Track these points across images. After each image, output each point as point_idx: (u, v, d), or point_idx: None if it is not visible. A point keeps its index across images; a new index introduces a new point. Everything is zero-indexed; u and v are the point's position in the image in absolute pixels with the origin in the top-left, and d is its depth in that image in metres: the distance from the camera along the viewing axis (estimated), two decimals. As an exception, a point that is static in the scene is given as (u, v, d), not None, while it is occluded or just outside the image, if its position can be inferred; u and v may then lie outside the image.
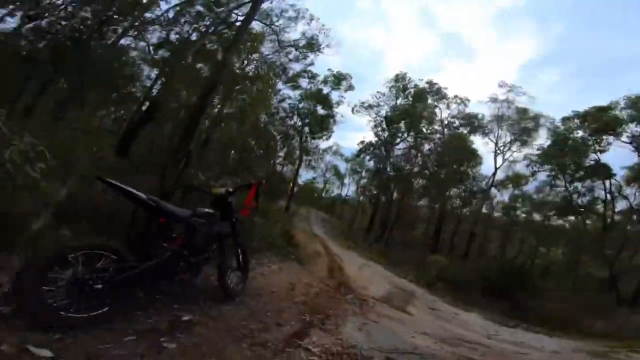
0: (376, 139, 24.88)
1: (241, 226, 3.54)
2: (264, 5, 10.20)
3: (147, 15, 10.97)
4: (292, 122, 20.86)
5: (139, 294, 2.46)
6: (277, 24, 14.47)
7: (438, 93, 23.88)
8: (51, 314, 1.83)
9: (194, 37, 12.52)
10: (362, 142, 25.83)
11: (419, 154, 24.33)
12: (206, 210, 2.97)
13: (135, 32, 11.43)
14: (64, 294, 1.88)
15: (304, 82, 20.71)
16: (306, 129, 21.41)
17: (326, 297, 4.49)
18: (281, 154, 21.11)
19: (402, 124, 23.82)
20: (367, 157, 26.93)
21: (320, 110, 21.96)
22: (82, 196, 3.86)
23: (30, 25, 11.00)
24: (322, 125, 21.69)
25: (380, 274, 9.66)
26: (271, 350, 2.32)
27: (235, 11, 12.59)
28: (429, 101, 23.98)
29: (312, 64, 18.93)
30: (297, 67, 18.45)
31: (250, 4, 8.24)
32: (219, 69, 3.90)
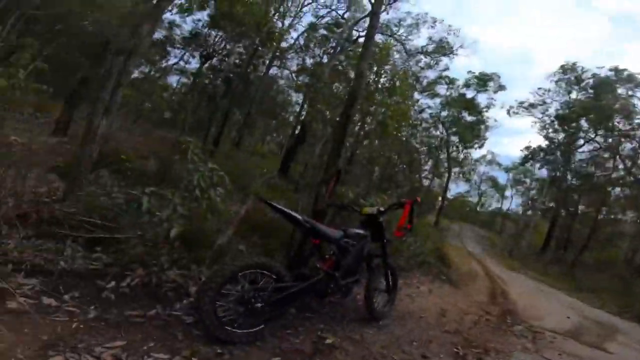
0: (547, 142, 20.58)
1: (391, 246, 3.43)
2: (382, 18, 10.19)
3: (283, 45, 12.42)
4: (437, 132, 19.43)
5: (292, 310, 2.62)
6: (399, 33, 13.97)
7: (631, 80, 17.93)
8: (221, 328, 2.02)
9: (325, 59, 13.56)
10: (527, 147, 21.81)
11: (617, 157, 18.64)
12: (357, 231, 2.95)
13: (278, 62, 13.33)
14: (231, 311, 2.10)
15: (442, 89, 19.06)
16: (453, 138, 19.57)
17: (485, 327, 3.82)
18: (427, 167, 19.87)
19: (583, 122, 18.99)
20: (537, 165, 22.54)
21: (468, 117, 19.74)
22: (256, 213, 4.56)
23: (206, 64, 14.28)
24: (472, 133, 19.33)
25: (562, 302, 7.65)
26: None
27: (355, 28, 13.00)
28: (620, 91, 18.31)
29: (447, 69, 17.48)
30: (431, 74, 17.54)
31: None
32: (355, 81, 3.95)
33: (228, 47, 12.86)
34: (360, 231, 2.99)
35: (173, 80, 18.46)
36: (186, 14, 13.35)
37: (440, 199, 20.24)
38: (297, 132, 12.79)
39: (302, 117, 9.29)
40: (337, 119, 4.08)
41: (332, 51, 13.39)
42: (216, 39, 14.06)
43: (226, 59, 13.55)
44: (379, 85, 5.75)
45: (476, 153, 23.49)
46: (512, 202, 34.27)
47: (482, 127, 19.84)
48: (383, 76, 6.81)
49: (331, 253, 2.77)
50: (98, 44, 8.97)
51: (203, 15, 13.76)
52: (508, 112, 20.43)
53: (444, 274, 6.29)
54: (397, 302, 3.72)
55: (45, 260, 1.97)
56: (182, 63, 16.61)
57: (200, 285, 2.08)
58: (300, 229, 2.64)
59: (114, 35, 7.55)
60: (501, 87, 19.74)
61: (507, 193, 34.03)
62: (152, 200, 2.24)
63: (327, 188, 3.56)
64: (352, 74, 9.48)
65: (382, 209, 3.24)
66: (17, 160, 2.96)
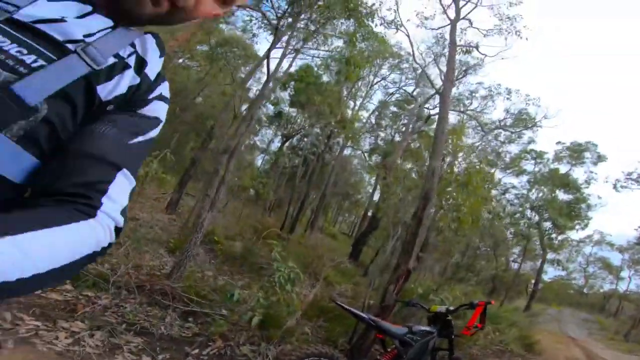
0: None
1: (457, 341, 3.26)
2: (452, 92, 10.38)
3: (357, 125, 12.98)
4: (525, 215, 17.10)
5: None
6: (471, 108, 13.45)
7: None
8: None
9: (397, 138, 13.76)
10: None
11: None
12: (422, 328, 2.97)
13: (351, 142, 13.81)
14: None
15: (528, 165, 16.80)
16: (546, 224, 16.96)
17: None
18: (515, 250, 17.46)
19: None
20: None
21: (562, 195, 17.20)
22: (323, 298, 4.71)
23: (287, 144, 15.31)
24: (570, 213, 16.50)
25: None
26: None
27: (426, 105, 13.05)
28: None
29: (532, 141, 15.85)
30: (514, 148, 15.90)
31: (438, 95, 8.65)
32: (427, 181, 4.14)
33: (306, 126, 13.44)
34: (427, 328, 2.98)
35: (258, 158, 19.33)
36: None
37: (532, 282, 17.14)
38: (369, 215, 12.76)
39: (377, 204, 9.50)
40: (414, 212, 4.21)
41: (403, 129, 13.43)
42: (296, 119, 14.73)
43: (305, 139, 14.69)
44: (453, 177, 5.72)
45: (579, 234, 19.78)
46: (631, 283, 27.70)
47: (583, 206, 16.95)
48: (457, 166, 6.76)
49: (393, 347, 2.76)
50: (206, 129, 10.85)
51: (285, 95, 14.31)
52: (614, 186, 17.44)
53: (531, 362, 5.32)
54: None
55: (150, 324, 2.42)
56: (265, 140, 17.92)
57: None
58: (367, 324, 2.78)
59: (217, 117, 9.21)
60: (601, 158, 16.89)
61: (624, 274, 27.79)
62: (241, 292, 2.63)
63: (395, 285, 3.62)
64: (425, 154, 9.70)
65: (451, 308, 3.21)
66: (141, 237, 3.75)
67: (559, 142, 17.67)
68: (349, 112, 12.39)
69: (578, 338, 11.32)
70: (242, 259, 5.10)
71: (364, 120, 15.05)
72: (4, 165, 0.41)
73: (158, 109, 0.53)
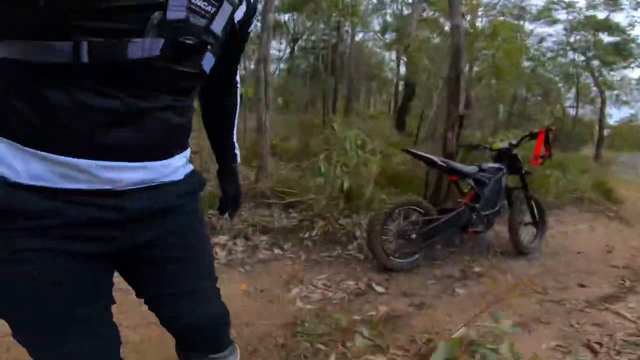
0: None
1: (530, 178, 3.46)
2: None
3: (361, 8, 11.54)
4: (569, 59, 15.09)
5: (438, 246, 3.09)
6: None
7: None
8: (387, 258, 2.58)
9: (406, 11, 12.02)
10: None
11: None
12: (491, 165, 3.16)
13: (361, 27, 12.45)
14: (392, 243, 2.72)
15: (560, 14, 14.57)
16: (594, 62, 14.90)
17: None
18: (569, 95, 16.04)
19: None
20: None
21: (607, 38, 14.65)
22: (386, 169, 5.14)
23: (296, 47, 14.39)
24: (621, 53, 14.33)
25: None
26: (565, 308, 2.28)
27: None
28: None
29: None
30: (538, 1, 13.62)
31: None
32: (453, 37, 3.83)
33: (309, 25, 12.95)
34: (496, 165, 3.15)
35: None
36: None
37: (597, 128, 16.15)
38: (402, 89, 12.48)
39: (405, 76, 9.05)
40: (448, 71, 4.07)
41: (411, 1, 12.06)
42: (297, 22, 14.34)
43: (312, 37, 13.90)
44: (479, 31, 5.19)
45: (635, 73, 17.22)
46: None
47: (633, 45, 14.54)
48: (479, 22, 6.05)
49: (469, 188, 3.04)
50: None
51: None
52: None
53: (611, 211, 5.54)
54: (549, 239, 3.72)
55: (267, 222, 3.01)
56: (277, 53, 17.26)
57: (368, 225, 2.68)
58: (438, 168, 3.01)
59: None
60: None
61: None
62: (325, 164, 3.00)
63: (452, 133, 3.69)
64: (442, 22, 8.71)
65: (513, 142, 3.29)
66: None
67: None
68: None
69: None
70: (302, 153, 5.46)
71: (366, 3, 13.57)
72: (207, 67, 0.71)
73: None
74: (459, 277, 2.74)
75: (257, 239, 2.85)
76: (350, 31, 12.30)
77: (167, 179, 0.72)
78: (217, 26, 0.69)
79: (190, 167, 0.83)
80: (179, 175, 0.76)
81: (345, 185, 3.01)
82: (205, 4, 0.67)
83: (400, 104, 9.89)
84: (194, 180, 0.82)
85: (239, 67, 0.99)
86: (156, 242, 0.74)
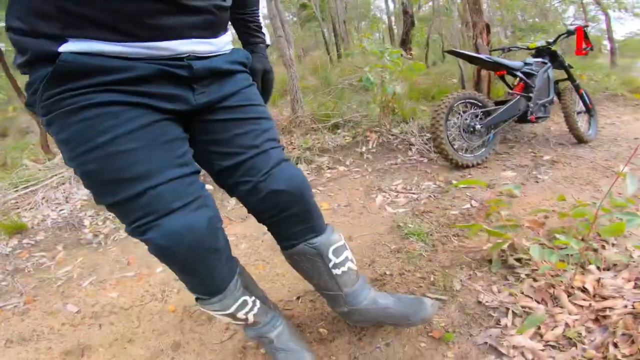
0: None
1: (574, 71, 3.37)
2: None
3: None
4: None
5: (499, 141, 2.99)
6: None
7: None
8: (457, 154, 2.49)
9: None
10: None
11: None
12: (536, 59, 3.06)
13: None
14: (459, 137, 2.59)
15: None
16: None
17: None
18: (568, 14, 15.37)
19: None
20: None
21: None
22: (413, 87, 4.90)
23: None
24: None
25: None
26: None
27: None
28: None
29: None
30: None
31: None
32: None
33: None
34: (540, 59, 3.07)
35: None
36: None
37: (606, 41, 15.61)
38: (392, 25, 11.86)
39: (402, 3, 8.50)
40: None
41: None
42: None
43: None
44: None
45: None
46: None
47: None
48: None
49: (518, 80, 2.93)
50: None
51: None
52: None
53: (647, 104, 5.38)
54: (601, 130, 3.61)
55: (321, 144, 2.85)
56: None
57: (431, 122, 2.53)
58: (485, 64, 2.88)
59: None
60: None
61: None
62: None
63: (482, 39, 3.59)
64: None
65: (550, 40, 3.20)
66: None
67: None
68: None
69: None
70: (325, 86, 5.22)
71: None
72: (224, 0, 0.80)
73: None
74: (534, 166, 2.62)
75: (318, 160, 2.70)
76: None
77: (222, 51, 0.83)
78: None
79: (232, 45, 0.90)
80: (228, 48, 0.86)
81: (398, 89, 2.80)
82: None
83: (403, 34, 9.43)
84: (242, 53, 0.91)
85: None
86: (222, 102, 0.83)
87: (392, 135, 2.98)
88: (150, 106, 0.71)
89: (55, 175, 2.90)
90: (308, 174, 2.60)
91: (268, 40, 1.05)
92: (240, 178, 0.85)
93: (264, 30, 1.05)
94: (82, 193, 2.70)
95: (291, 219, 0.90)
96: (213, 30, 0.79)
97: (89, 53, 0.65)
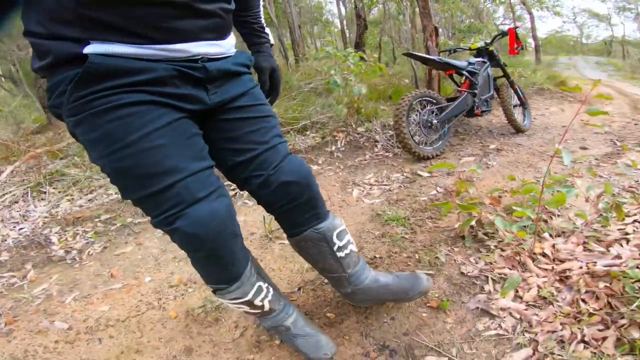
0: None
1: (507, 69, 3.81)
2: None
3: None
4: None
5: (452, 134, 3.30)
6: None
7: None
8: (418, 147, 2.75)
9: None
10: None
11: None
12: (477, 59, 3.45)
13: None
14: (419, 132, 2.85)
15: None
16: None
17: (636, 129, 3.91)
18: (498, 14, 17.13)
19: None
20: None
21: None
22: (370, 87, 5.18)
23: None
24: None
25: None
26: (585, 165, 2.57)
27: None
28: None
29: None
30: None
31: None
32: None
33: None
34: (480, 59, 3.47)
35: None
36: None
37: (531, 39, 17.53)
38: (344, 28, 12.43)
39: (355, 8, 8.95)
40: None
41: None
42: None
43: None
44: None
45: None
46: (625, 29, 28.51)
47: None
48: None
49: (464, 79, 3.29)
50: None
51: None
52: None
53: (570, 97, 6.15)
54: (534, 120, 4.10)
55: (293, 145, 2.94)
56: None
57: (394, 119, 2.75)
58: (436, 66, 3.20)
59: None
60: None
61: (616, 20, 28.03)
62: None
63: (432, 42, 3.95)
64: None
65: (488, 41, 3.66)
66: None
67: None
68: None
69: (599, 79, 11.46)
70: (288, 90, 5.31)
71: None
72: (229, 4, 0.85)
73: None
74: (483, 154, 2.94)
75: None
76: None
77: (229, 53, 0.89)
78: None
79: (236, 47, 0.95)
80: (233, 51, 0.92)
81: (363, 91, 2.98)
82: None
83: (356, 37, 9.80)
84: (246, 56, 0.96)
85: None
86: (233, 102, 0.89)
87: (358, 134, 3.17)
88: (172, 105, 0.77)
89: (7, 194, 2.69)
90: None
91: (272, 40, 1.10)
92: (253, 172, 0.91)
93: (267, 30, 1.10)
94: (42, 210, 2.54)
95: (300, 208, 0.97)
96: (221, 32, 0.84)
97: (112, 55, 0.68)
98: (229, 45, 0.89)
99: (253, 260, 1.01)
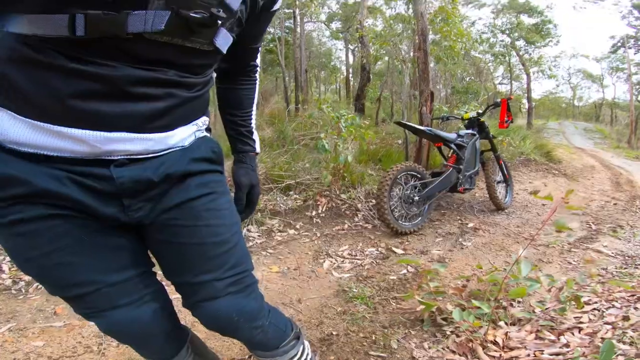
0: (634, 30, 18.00)
1: (496, 142, 3.91)
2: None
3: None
4: (497, 40, 17.05)
5: (433, 208, 3.35)
6: None
7: None
8: (397, 223, 2.77)
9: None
10: (612, 37, 19.37)
11: None
12: (467, 131, 3.54)
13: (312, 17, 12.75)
14: (399, 207, 2.89)
15: None
16: (519, 42, 16.76)
17: (614, 209, 3.97)
18: (497, 74, 18.19)
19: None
20: (631, 51, 19.86)
21: (528, 19, 16.76)
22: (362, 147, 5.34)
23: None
24: (539, 33, 16.58)
25: None
26: (557, 250, 2.64)
27: None
28: None
29: None
30: None
31: None
32: (418, 22, 4.17)
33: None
34: (469, 131, 3.55)
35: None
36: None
37: (525, 100, 18.42)
38: (350, 77, 13.09)
39: (362, 60, 9.49)
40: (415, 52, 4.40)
41: None
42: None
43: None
44: (433, 15, 5.78)
45: (553, 50, 20.35)
46: (616, 91, 30.15)
47: (551, 26, 16.90)
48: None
49: (452, 152, 3.36)
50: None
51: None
52: (574, 7, 17.50)
53: (555, 169, 6.37)
54: (515, 196, 4.21)
55: (273, 206, 2.99)
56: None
57: (376, 193, 2.81)
58: (426, 136, 3.28)
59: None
60: None
61: (608, 82, 29.73)
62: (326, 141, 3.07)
63: (426, 108, 4.08)
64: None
65: (480, 111, 3.76)
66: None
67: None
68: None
69: (586, 148, 11.97)
70: (281, 140, 5.46)
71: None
72: (222, 44, 0.66)
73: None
74: (460, 233, 2.99)
75: (269, 223, 2.82)
76: (298, 21, 12.29)
77: (172, 147, 0.68)
78: (235, 1, 0.63)
79: (204, 133, 0.77)
80: (188, 142, 0.71)
81: (349, 159, 3.10)
82: None
83: (358, 89, 10.25)
84: (208, 145, 0.76)
85: (259, 48, 0.91)
86: (163, 215, 0.70)
87: (341, 200, 3.24)
88: (81, 217, 0.63)
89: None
90: (259, 235, 2.71)
91: (258, 148, 0.97)
92: (179, 291, 0.81)
93: (255, 136, 0.96)
94: None
95: (242, 340, 0.89)
96: (171, 121, 0.66)
97: None
98: (178, 137, 0.69)
99: (193, 340, 1.00)
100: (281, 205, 3.05)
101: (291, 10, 10.30)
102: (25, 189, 0.57)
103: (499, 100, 3.71)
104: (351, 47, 16.63)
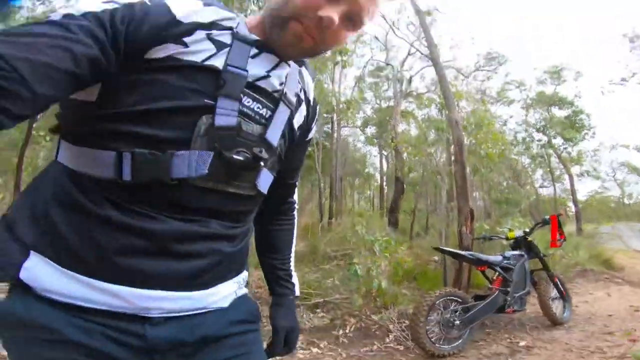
0: None
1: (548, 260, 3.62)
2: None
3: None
4: (533, 138, 16.46)
5: (477, 329, 3.01)
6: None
7: None
8: (434, 346, 2.56)
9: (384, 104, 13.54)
10: None
11: None
12: (514, 252, 3.32)
13: (348, 123, 13.62)
14: (437, 331, 2.65)
15: (514, 93, 16.63)
16: (555, 140, 16.14)
17: None
18: (536, 176, 17.77)
19: None
20: None
21: (559, 112, 16.50)
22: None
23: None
24: (573, 127, 16.53)
25: None
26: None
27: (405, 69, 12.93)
28: None
29: (508, 74, 15.98)
30: (494, 84, 16.20)
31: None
32: (453, 130, 4.45)
33: None
34: (517, 252, 3.32)
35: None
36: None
37: (571, 204, 17.30)
38: (384, 185, 13.06)
39: (395, 171, 9.85)
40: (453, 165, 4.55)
41: (389, 94, 13.60)
42: None
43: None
44: (466, 121, 5.93)
45: (590, 144, 19.87)
46: None
47: (583, 116, 16.96)
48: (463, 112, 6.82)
49: (497, 275, 3.13)
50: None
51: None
52: (602, 92, 17.60)
53: (617, 278, 5.66)
54: (575, 308, 3.71)
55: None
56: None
57: (411, 317, 2.65)
58: (468, 261, 3.14)
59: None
60: (578, 74, 16.37)
61: None
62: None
63: (467, 228, 3.89)
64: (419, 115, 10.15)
65: (527, 230, 3.56)
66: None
67: (535, 69, 17.40)
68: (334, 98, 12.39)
69: None
70: (312, 255, 5.46)
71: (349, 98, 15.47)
72: (263, 187, 0.63)
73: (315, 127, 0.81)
74: (509, 353, 2.62)
75: (292, 343, 2.68)
76: (336, 127, 12.54)
77: (212, 307, 0.63)
78: (274, 134, 0.61)
79: (244, 291, 0.73)
80: (228, 301, 0.67)
81: (383, 285, 3.05)
82: (259, 106, 0.59)
83: (392, 201, 10.30)
84: (248, 308, 0.71)
85: (297, 183, 0.86)
86: None
87: (371, 320, 3.06)
88: None
89: None
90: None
91: (297, 292, 0.90)
92: None
93: (295, 279, 0.90)
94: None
95: None
96: (209, 278, 0.62)
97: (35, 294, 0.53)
98: (219, 295, 0.64)
99: None
100: (306, 322, 2.93)
101: (330, 116, 10.80)
102: (54, 336, 0.53)
103: (547, 217, 3.50)
104: (385, 153, 16.51)
